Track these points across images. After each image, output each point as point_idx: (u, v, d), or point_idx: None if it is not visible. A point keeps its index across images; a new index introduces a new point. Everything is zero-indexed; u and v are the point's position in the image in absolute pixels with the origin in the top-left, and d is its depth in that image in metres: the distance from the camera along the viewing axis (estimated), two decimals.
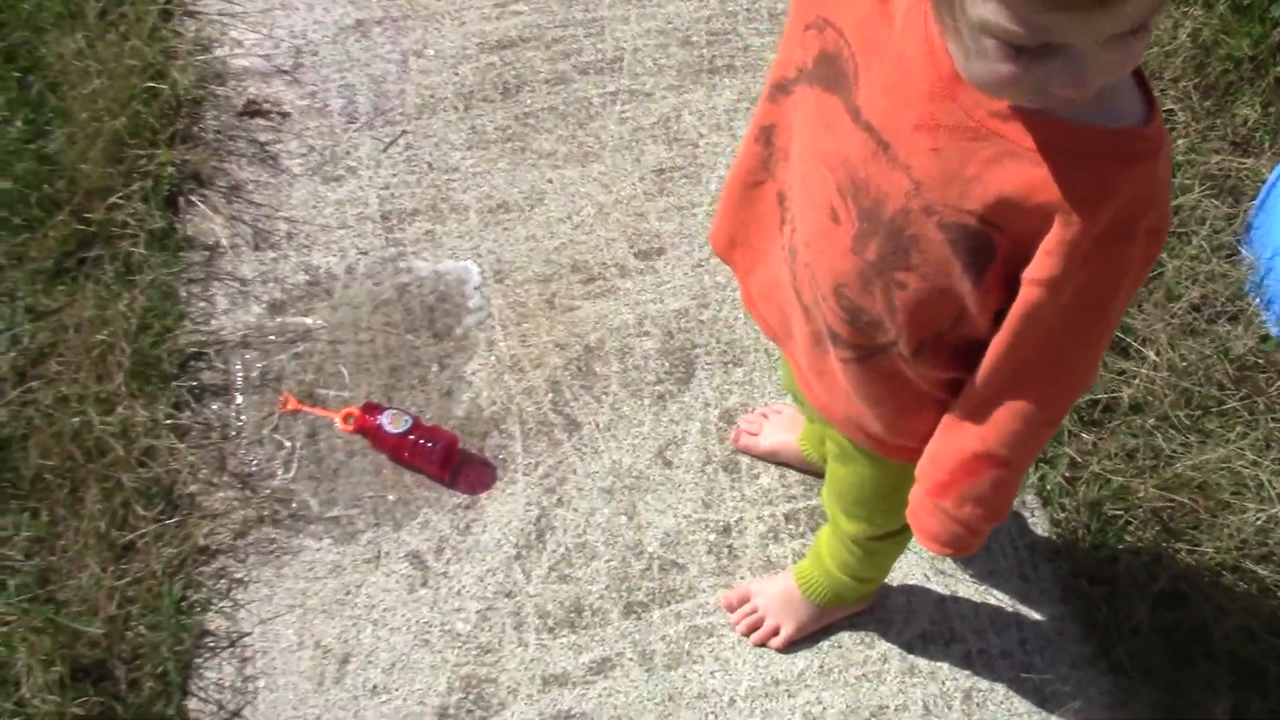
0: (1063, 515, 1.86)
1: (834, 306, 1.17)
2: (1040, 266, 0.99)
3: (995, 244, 1.01)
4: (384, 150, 2.18)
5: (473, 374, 1.97)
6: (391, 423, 1.86)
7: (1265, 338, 2.05)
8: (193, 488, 1.83)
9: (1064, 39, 0.84)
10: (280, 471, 1.86)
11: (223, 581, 1.77)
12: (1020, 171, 0.97)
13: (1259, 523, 1.85)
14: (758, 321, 1.36)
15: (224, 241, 2.07)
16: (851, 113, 1.06)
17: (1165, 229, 1.02)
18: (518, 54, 2.30)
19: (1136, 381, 1.96)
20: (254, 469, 1.86)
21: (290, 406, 1.92)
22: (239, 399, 1.93)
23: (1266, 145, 2.25)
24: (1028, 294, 1.01)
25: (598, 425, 1.92)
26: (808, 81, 1.11)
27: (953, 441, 1.15)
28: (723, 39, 2.34)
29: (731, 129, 2.23)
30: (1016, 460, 1.14)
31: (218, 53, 2.27)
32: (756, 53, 2.33)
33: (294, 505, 1.84)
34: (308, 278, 2.05)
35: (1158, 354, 1.98)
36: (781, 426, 1.90)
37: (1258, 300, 2.09)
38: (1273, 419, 1.96)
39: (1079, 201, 0.95)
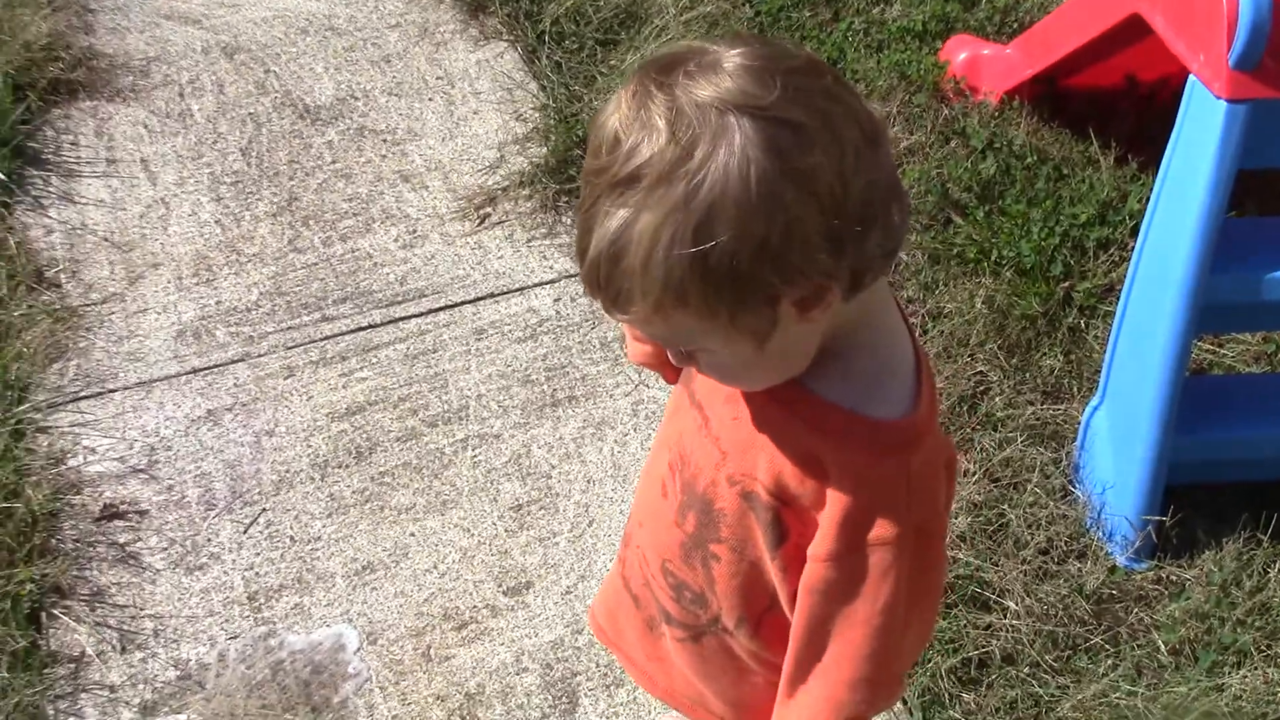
0: None
1: (663, 585, 1.23)
2: (818, 542, 1.04)
3: (784, 519, 1.07)
4: (244, 532, 2.22)
5: None
6: None
7: (1113, 569, 2.14)
8: None
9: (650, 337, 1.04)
10: None
11: None
12: (798, 447, 1.04)
13: None
14: (594, 630, 1.42)
15: (89, 650, 2.05)
16: (690, 395, 1.17)
17: (936, 530, 1.07)
18: (367, 417, 2.40)
19: (1003, 634, 2.02)
20: None
21: None
22: None
23: (1075, 390, 2.41)
24: (808, 569, 1.06)
25: None
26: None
27: None
28: (560, 373, 2.47)
29: (581, 455, 2.33)
30: None
31: (71, 463, 2.31)
32: (594, 380, 2.46)
33: None
34: (178, 673, 2.03)
35: (1017, 603, 2.05)
36: None
37: (1099, 534, 2.19)
38: (1136, 646, 2.03)
39: (841, 483, 1.02)
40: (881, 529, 1.02)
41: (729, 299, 0.90)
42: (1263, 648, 2.02)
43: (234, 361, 2.49)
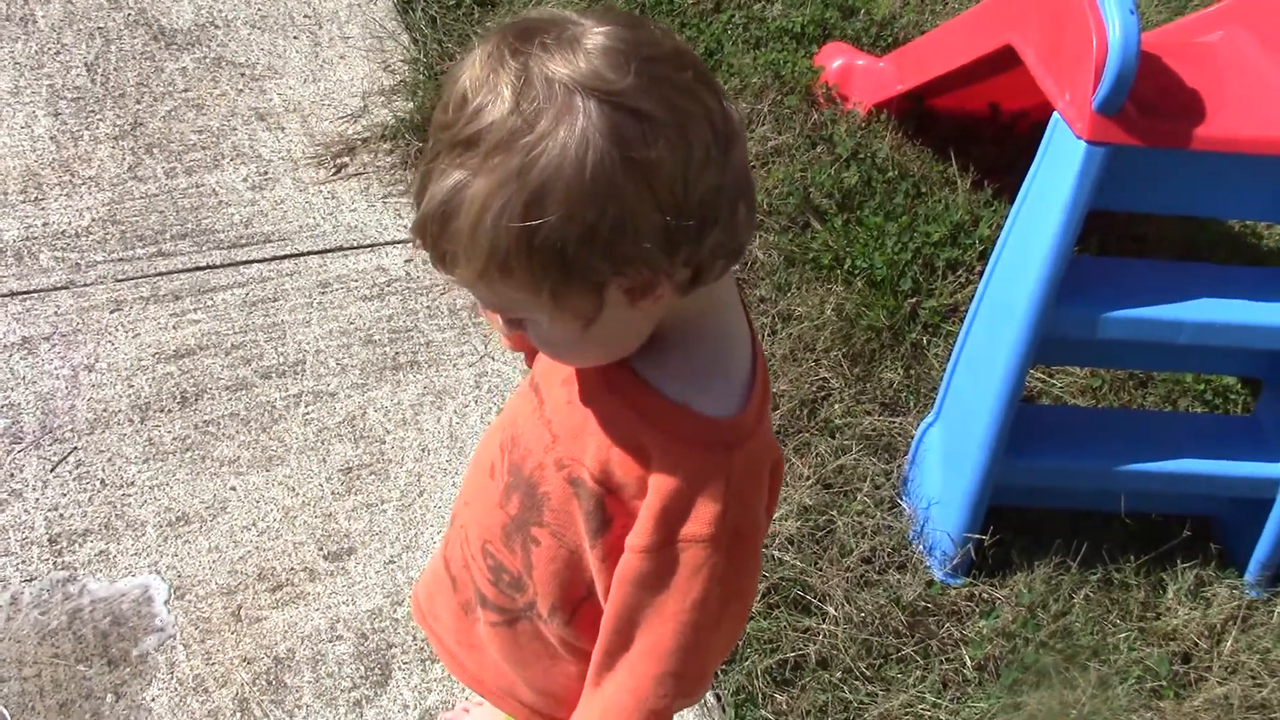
0: None
1: (482, 566, 1.22)
2: (634, 533, 1.03)
3: (608, 507, 1.06)
4: (51, 470, 2.09)
5: (152, 700, 1.85)
6: None
7: (931, 583, 2.19)
8: None
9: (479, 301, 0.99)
10: None
11: None
12: (626, 435, 1.03)
13: None
14: (413, 610, 1.39)
15: None
16: (530, 377, 1.16)
17: (753, 532, 1.06)
18: (196, 362, 2.29)
19: (820, 637, 2.05)
20: None
21: None
22: None
23: (912, 405, 2.47)
24: (623, 559, 1.05)
25: None
26: None
27: (581, 711, 1.15)
28: (405, 336, 2.41)
29: (418, 423, 2.27)
30: None
31: None
32: (439, 347, 2.40)
33: None
34: None
35: (836, 608, 2.08)
36: (484, 715, 1.87)
37: (920, 548, 2.25)
38: (945, 660, 2.08)
39: (662, 475, 1.01)
40: (696, 525, 1.01)
41: (554, 278, 0.89)
42: (1061, 670, 2.10)
43: (57, 288, 2.35)
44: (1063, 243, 1.98)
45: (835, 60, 3.01)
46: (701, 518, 1.01)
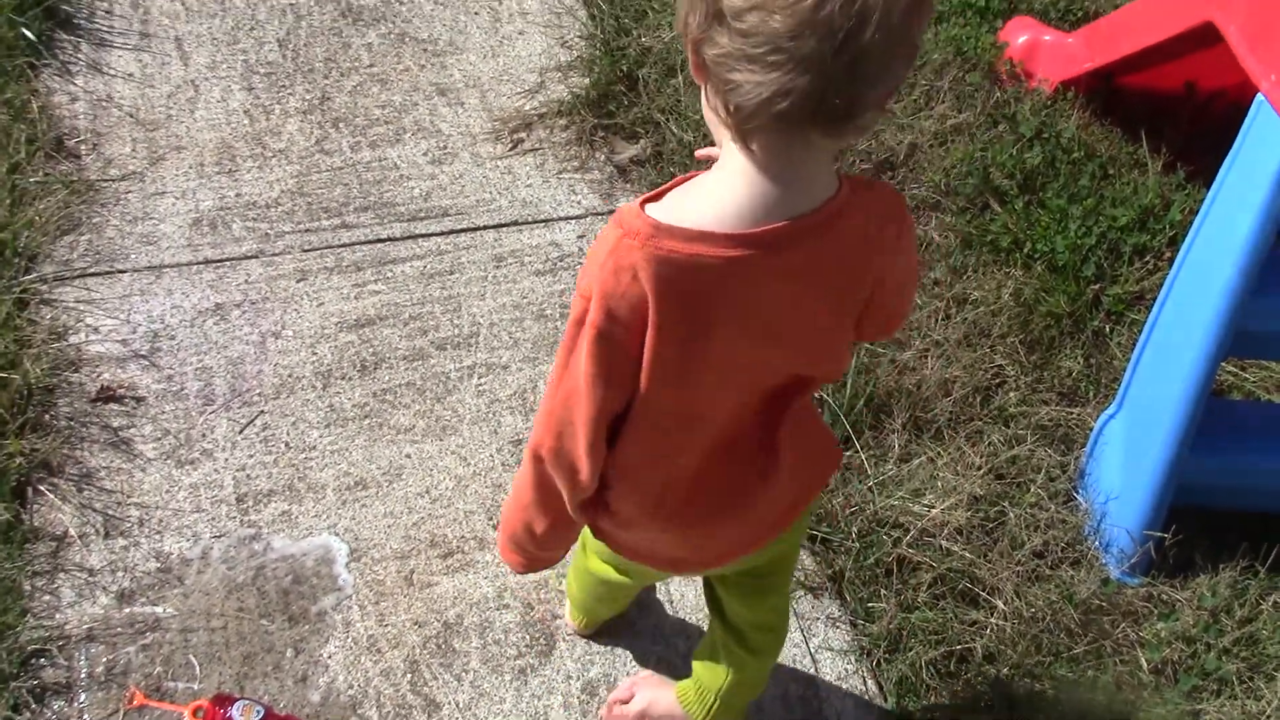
0: None
1: None
2: None
3: None
4: (240, 432, 2.19)
5: (329, 657, 1.93)
6: (242, 714, 1.80)
7: (1106, 580, 2.12)
8: None
9: None
10: None
11: None
12: None
13: None
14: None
15: (73, 531, 2.03)
16: None
17: (581, 319, 1.20)
18: (375, 332, 2.36)
19: (988, 632, 2.00)
20: None
21: (137, 702, 1.85)
22: (82, 697, 1.85)
23: (1091, 395, 2.38)
24: None
25: (458, 705, 1.89)
26: None
27: None
28: None
29: None
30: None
31: (73, 339, 2.28)
32: None
33: None
34: (159, 565, 2.01)
35: (1005, 603, 2.03)
36: (652, 684, 1.87)
37: (1096, 544, 2.17)
38: (1120, 661, 2.01)
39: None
40: (579, 278, 1.21)
41: None
42: (1245, 679, 2.01)
43: (248, 257, 2.45)
44: (1263, 230, 1.88)
45: (1021, 35, 2.91)
46: (581, 273, 1.20)
